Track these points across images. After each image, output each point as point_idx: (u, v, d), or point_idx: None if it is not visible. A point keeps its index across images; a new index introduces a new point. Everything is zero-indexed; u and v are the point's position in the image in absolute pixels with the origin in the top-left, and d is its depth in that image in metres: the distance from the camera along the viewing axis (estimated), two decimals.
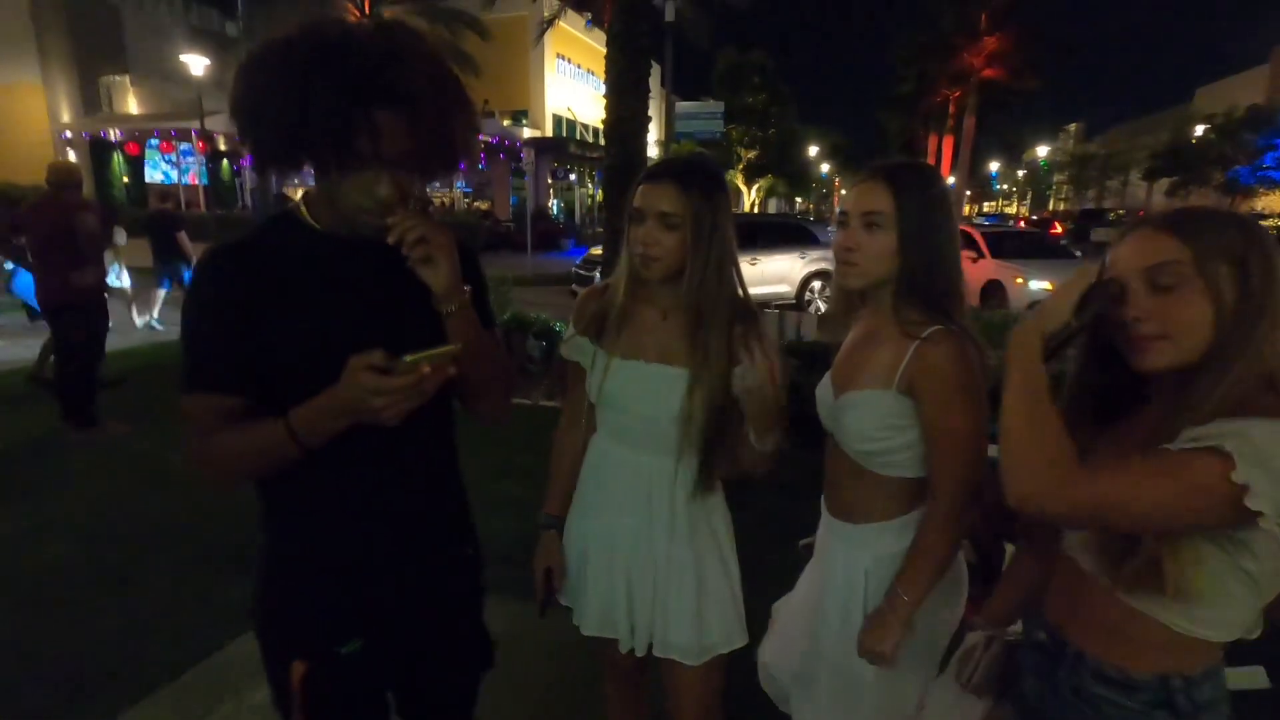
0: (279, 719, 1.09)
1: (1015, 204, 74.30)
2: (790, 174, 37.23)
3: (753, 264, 9.32)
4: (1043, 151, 46.27)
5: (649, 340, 1.32)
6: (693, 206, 1.23)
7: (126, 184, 21.92)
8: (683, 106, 17.22)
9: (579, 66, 32.56)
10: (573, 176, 28.20)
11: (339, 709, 1.08)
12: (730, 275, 1.29)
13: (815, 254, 10.22)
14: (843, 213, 1.25)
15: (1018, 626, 1.15)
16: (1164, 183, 34.41)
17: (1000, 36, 24.34)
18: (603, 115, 6.69)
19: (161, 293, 7.65)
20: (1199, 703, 0.87)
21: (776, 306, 6.54)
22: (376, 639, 1.07)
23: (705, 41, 12.75)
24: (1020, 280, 8.89)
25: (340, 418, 0.90)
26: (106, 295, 4.51)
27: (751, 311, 1.33)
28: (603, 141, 6.76)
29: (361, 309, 0.99)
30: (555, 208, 26.82)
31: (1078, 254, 11.63)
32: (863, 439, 1.24)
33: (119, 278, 7.53)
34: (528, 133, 25.29)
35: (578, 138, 29.26)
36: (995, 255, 9.54)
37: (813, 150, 41.59)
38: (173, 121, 20.19)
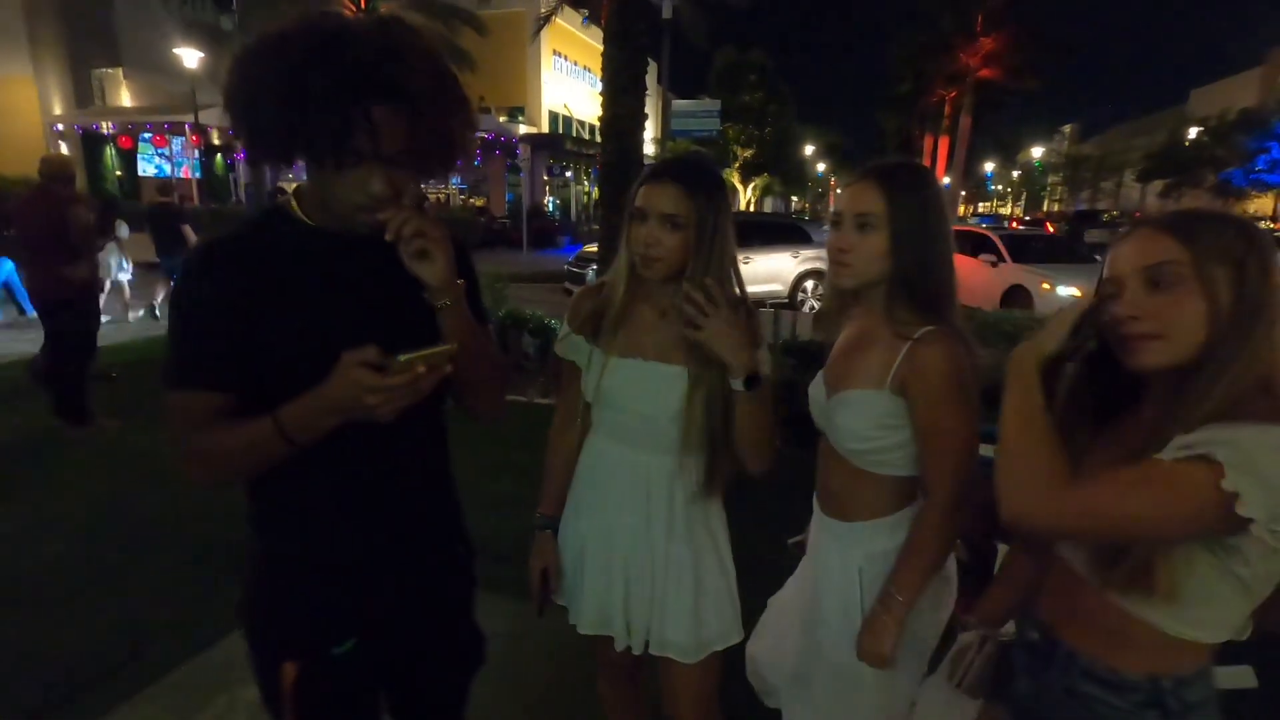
0: (268, 717, 1.08)
1: (1010, 205, 74.57)
2: (787, 173, 37.28)
3: (746, 262, 9.23)
4: (1037, 152, 46.42)
5: (647, 338, 1.32)
6: (697, 208, 1.23)
7: (119, 177, 21.77)
8: (679, 104, 17.18)
9: (575, 63, 32.48)
10: (569, 174, 28.13)
11: (331, 710, 1.07)
12: (730, 275, 1.29)
13: (809, 253, 10.18)
14: (836, 213, 1.26)
15: (1010, 626, 1.16)
16: (1158, 184, 34.60)
17: (997, 37, 24.38)
18: (599, 112, 6.68)
19: (171, 284, 7.63)
20: (1189, 703, 0.88)
21: (771, 305, 6.54)
22: (369, 639, 1.07)
23: (702, 40, 12.73)
24: (1047, 286, 8.49)
25: (332, 415, 0.89)
26: (103, 291, 4.48)
27: (750, 309, 1.33)
28: (599, 139, 6.74)
29: (354, 305, 0.98)
30: (551, 205, 26.76)
31: (1098, 257, 11.58)
32: (855, 438, 1.25)
33: (122, 270, 7.53)
34: (524, 129, 25.20)
35: (574, 135, 29.19)
36: (1016, 259, 9.21)
37: (809, 149, 41.63)
38: (166, 115, 20.03)
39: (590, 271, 9.71)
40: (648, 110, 7.04)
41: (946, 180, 25.76)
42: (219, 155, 21.97)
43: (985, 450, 1.27)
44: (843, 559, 1.31)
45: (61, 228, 4.07)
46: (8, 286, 7.51)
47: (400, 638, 1.12)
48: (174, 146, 21.52)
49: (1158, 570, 0.82)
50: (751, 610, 1.45)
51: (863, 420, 1.23)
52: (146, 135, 21.23)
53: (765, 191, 38.54)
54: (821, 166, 48.51)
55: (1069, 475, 0.84)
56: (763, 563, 1.75)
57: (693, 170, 1.27)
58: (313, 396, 0.89)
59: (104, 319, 7.49)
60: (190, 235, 7.32)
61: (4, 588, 2.69)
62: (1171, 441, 0.80)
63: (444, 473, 1.17)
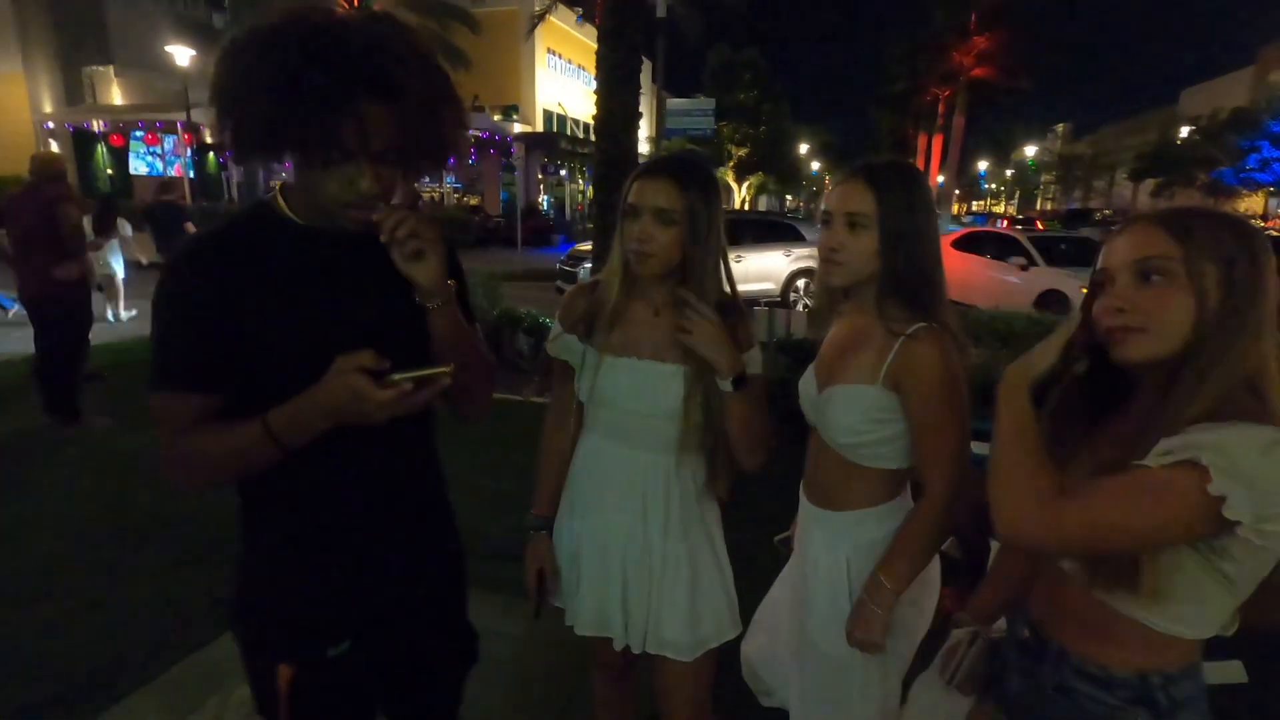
0: (262, 719, 1.08)
1: (1003, 203, 74.87)
2: (781, 171, 37.33)
3: (738, 261, 9.26)
4: (1030, 151, 46.62)
5: (643, 337, 1.32)
6: (689, 203, 1.23)
7: (111, 176, 21.64)
8: (674, 103, 17.17)
9: (570, 62, 32.44)
10: (563, 172, 28.07)
11: (327, 711, 1.06)
12: (721, 273, 1.30)
13: (801, 251, 10.16)
14: (826, 212, 1.28)
15: (1002, 624, 1.16)
16: (1149, 183, 34.79)
17: (990, 36, 24.48)
18: (593, 111, 6.66)
19: None
20: (1178, 699, 0.88)
21: (765, 304, 6.55)
22: (364, 639, 1.06)
23: (697, 38, 12.73)
24: (1086, 290, 8.48)
25: (325, 419, 0.88)
26: (98, 289, 4.46)
27: (740, 308, 1.34)
28: (593, 137, 6.72)
29: (344, 305, 0.97)
30: (546, 204, 26.72)
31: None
32: (848, 432, 1.26)
33: (121, 267, 7.52)
34: (518, 128, 25.15)
35: (569, 133, 29.15)
36: (1049, 263, 9.05)
37: (804, 148, 41.70)
38: (158, 113, 19.93)
39: (582, 270, 9.69)
40: (642, 109, 7.03)
41: (940, 179, 25.84)
42: (211, 154, 21.88)
43: (978, 448, 1.28)
44: (830, 549, 1.32)
45: (52, 226, 4.03)
46: None
47: (394, 637, 1.11)
48: (166, 145, 21.41)
49: (1143, 569, 0.83)
50: (745, 607, 1.45)
51: (855, 414, 1.24)
52: (138, 133, 21.12)
53: (760, 190, 38.59)
54: (816, 165, 48.60)
55: (1061, 492, 0.84)
56: (755, 559, 1.76)
57: (685, 166, 1.28)
58: (304, 400, 0.87)
59: (121, 317, 7.52)
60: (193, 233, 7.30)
61: None
62: (1158, 445, 0.80)
63: (432, 468, 1.17)
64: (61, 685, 2.13)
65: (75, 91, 21.47)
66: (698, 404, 1.28)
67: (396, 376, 0.85)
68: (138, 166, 22.02)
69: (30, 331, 4.34)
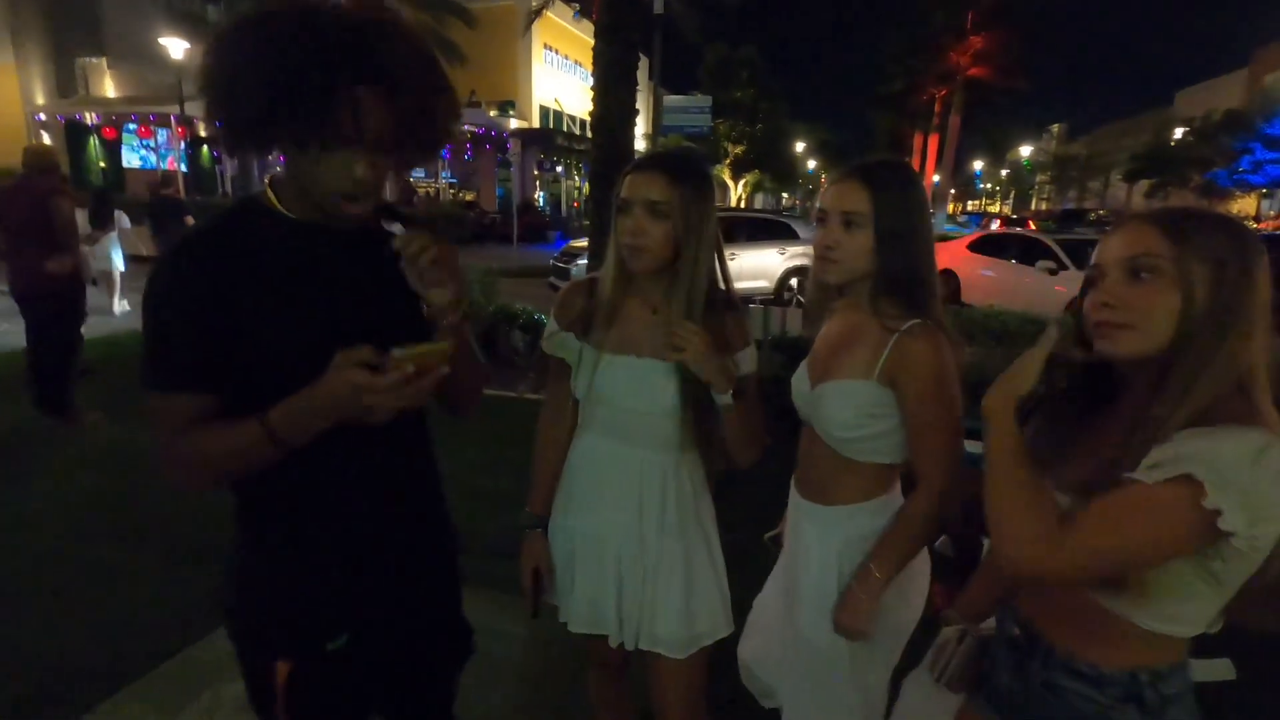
0: (256, 715, 1.07)
1: (998, 203, 75.07)
2: (778, 169, 37.32)
3: (732, 259, 9.15)
4: (1026, 151, 46.76)
5: (641, 335, 1.32)
6: (681, 197, 1.24)
7: (103, 169, 21.48)
8: (671, 100, 17.18)
9: (566, 58, 32.33)
10: (559, 169, 28.02)
11: (325, 706, 1.06)
12: (716, 269, 1.30)
13: (796, 250, 10.13)
14: (822, 210, 1.29)
15: (991, 621, 1.17)
16: (1144, 184, 34.93)
17: (987, 36, 24.52)
18: (590, 107, 6.64)
19: None
20: (1166, 696, 0.89)
21: (760, 301, 6.55)
22: (361, 633, 1.06)
23: (694, 35, 12.70)
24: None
25: (325, 417, 0.88)
26: (92, 283, 4.43)
27: (736, 305, 1.35)
28: (590, 134, 6.71)
29: (341, 302, 0.96)
30: (541, 200, 26.66)
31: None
32: (842, 426, 1.27)
33: (122, 261, 7.53)
34: (515, 124, 25.05)
35: (565, 130, 29.07)
36: (1079, 266, 8.62)
37: (800, 146, 41.70)
38: (151, 106, 19.79)
39: (574, 267, 9.66)
40: (639, 106, 7.01)
41: (936, 178, 25.89)
42: (205, 147, 21.74)
43: (970, 446, 1.29)
44: (822, 542, 1.33)
45: (44, 220, 4.00)
46: None
47: (391, 633, 1.11)
48: (159, 138, 21.26)
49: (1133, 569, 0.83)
50: (738, 605, 1.45)
51: (850, 409, 1.25)
52: (131, 126, 20.96)
53: (756, 188, 38.59)
54: (812, 163, 48.64)
55: (1061, 523, 0.83)
56: (748, 556, 1.76)
57: (677, 160, 1.29)
58: (304, 397, 0.87)
59: (116, 310, 7.50)
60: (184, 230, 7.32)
61: None
62: (1149, 454, 0.80)
63: (427, 461, 1.17)
64: (53, 682, 2.12)
65: (68, 83, 21.31)
66: (696, 401, 1.29)
67: (397, 353, 0.84)
68: (131, 160, 21.87)
69: (21, 325, 4.31)
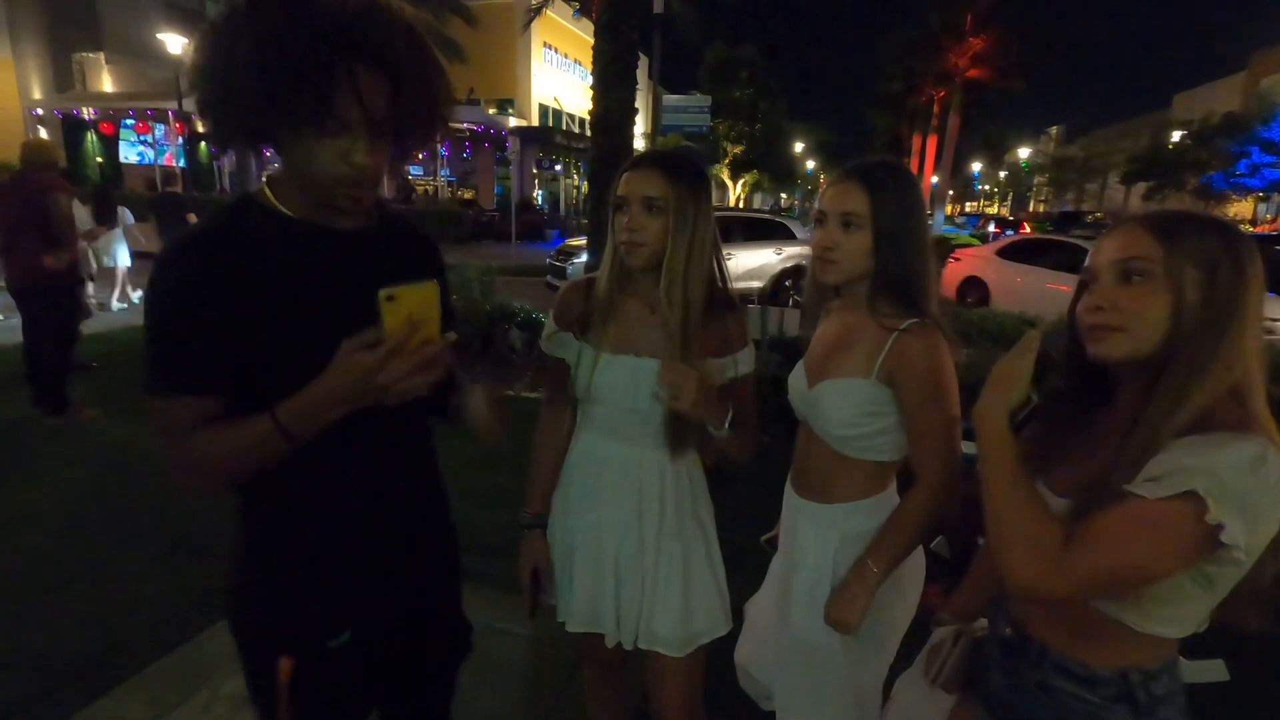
0: (255, 711, 1.08)
1: (996, 205, 75.17)
2: (776, 170, 37.30)
3: (729, 258, 9.10)
4: (1024, 153, 46.77)
5: (640, 335, 1.32)
6: (677, 193, 1.24)
7: (100, 164, 21.40)
8: (670, 100, 17.15)
9: (566, 56, 32.27)
10: (558, 167, 27.97)
11: (327, 703, 1.06)
12: (714, 267, 1.31)
13: (792, 250, 10.09)
14: (821, 211, 1.30)
15: (984, 621, 1.18)
16: (1141, 186, 34.98)
17: (985, 37, 24.53)
18: (589, 106, 6.64)
19: None
20: (1157, 695, 0.90)
21: (756, 301, 6.56)
22: (363, 631, 1.06)
23: (694, 35, 12.69)
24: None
25: (338, 406, 0.88)
26: (90, 279, 4.43)
27: (734, 304, 1.35)
28: (589, 133, 6.71)
29: (340, 301, 0.96)
30: (540, 198, 26.62)
31: None
32: (842, 424, 1.28)
33: (127, 257, 7.58)
34: (514, 122, 25.00)
35: (564, 128, 29.04)
36: None
37: (799, 146, 41.69)
38: (149, 101, 19.72)
39: (571, 266, 9.64)
40: (638, 105, 7.01)
41: (935, 179, 25.91)
42: (203, 143, 21.66)
43: (967, 447, 1.29)
44: (819, 539, 1.33)
45: (42, 215, 3.99)
46: None
47: (391, 630, 1.12)
48: (157, 133, 21.18)
49: None
50: (736, 605, 1.46)
51: (848, 408, 1.26)
52: (129, 121, 20.87)
53: (755, 188, 38.57)
54: (811, 164, 48.64)
55: (1064, 539, 0.82)
56: (745, 555, 1.77)
57: (673, 158, 1.29)
58: (314, 389, 0.87)
59: (113, 306, 7.52)
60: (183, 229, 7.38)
61: None
62: (1147, 466, 0.80)
63: (428, 458, 1.17)
64: (48, 678, 2.12)
65: (65, 78, 21.22)
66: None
67: (383, 292, 0.83)
68: (128, 155, 21.78)
69: (18, 321, 4.29)
